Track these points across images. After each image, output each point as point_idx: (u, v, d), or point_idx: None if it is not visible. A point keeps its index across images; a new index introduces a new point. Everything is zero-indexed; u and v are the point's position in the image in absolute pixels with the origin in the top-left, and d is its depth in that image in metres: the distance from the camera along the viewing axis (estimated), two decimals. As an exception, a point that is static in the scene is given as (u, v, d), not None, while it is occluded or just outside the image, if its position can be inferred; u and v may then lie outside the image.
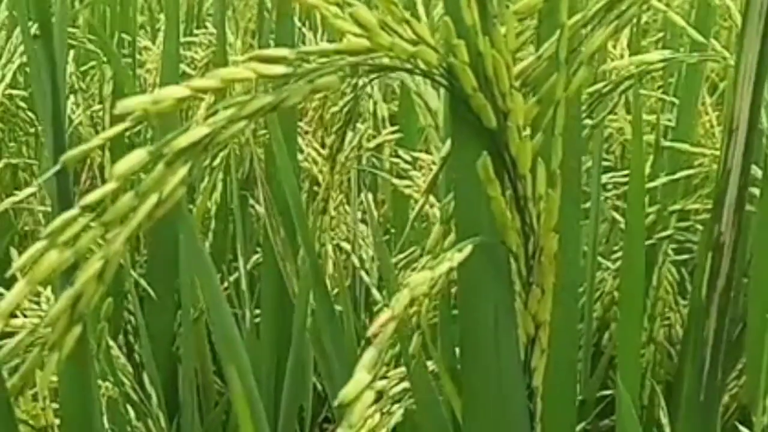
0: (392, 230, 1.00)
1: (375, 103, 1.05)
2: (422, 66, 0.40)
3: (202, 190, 1.05)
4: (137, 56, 1.22)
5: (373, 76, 0.41)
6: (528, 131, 0.44)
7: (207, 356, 0.99)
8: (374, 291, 0.96)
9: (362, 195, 1.01)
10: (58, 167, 0.44)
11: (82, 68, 1.21)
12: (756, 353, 0.68)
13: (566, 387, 0.53)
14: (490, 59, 0.40)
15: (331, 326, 0.67)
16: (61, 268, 0.33)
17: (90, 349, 0.54)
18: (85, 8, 1.27)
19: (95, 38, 1.15)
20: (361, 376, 0.34)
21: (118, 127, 0.35)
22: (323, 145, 0.98)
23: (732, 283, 0.50)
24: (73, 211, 0.34)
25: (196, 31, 1.22)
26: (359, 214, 1.02)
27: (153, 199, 0.34)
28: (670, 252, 0.88)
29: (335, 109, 0.86)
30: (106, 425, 0.65)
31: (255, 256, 1.00)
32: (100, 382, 0.66)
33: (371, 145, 0.92)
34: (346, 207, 0.99)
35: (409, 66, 0.40)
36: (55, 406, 0.64)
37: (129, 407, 0.71)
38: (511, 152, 0.42)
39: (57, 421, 0.61)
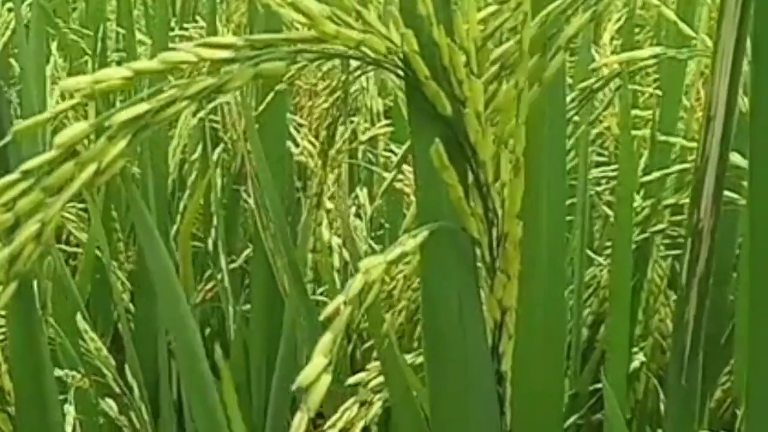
0: (386, 225, 1.00)
1: (371, 98, 1.05)
2: (371, 54, 0.40)
3: (190, 184, 1.06)
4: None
5: (321, 62, 0.41)
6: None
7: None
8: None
9: (357, 189, 1.01)
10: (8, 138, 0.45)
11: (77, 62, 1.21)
12: (743, 346, 0.68)
13: (553, 380, 0.53)
14: (446, 48, 0.40)
15: (310, 322, 0.67)
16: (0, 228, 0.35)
17: (37, 313, 0.55)
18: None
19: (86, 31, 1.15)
20: (318, 359, 0.35)
21: (67, 103, 0.37)
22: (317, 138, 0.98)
23: (711, 269, 0.50)
24: (14, 176, 0.35)
25: (186, 25, 1.22)
26: (353, 209, 1.01)
27: (92, 168, 0.35)
28: (662, 246, 0.88)
29: (325, 105, 0.86)
30: (74, 414, 0.64)
31: (247, 251, 1.00)
32: (67, 371, 0.66)
33: (363, 138, 0.91)
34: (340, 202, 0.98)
35: (357, 54, 0.39)
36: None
37: (112, 401, 0.71)
38: (470, 139, 0.42)
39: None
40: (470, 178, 0.43)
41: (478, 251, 0.45)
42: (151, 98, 0.36)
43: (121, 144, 0.35)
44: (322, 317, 0.36)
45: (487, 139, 0.42)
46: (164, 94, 0.36)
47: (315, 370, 0.34)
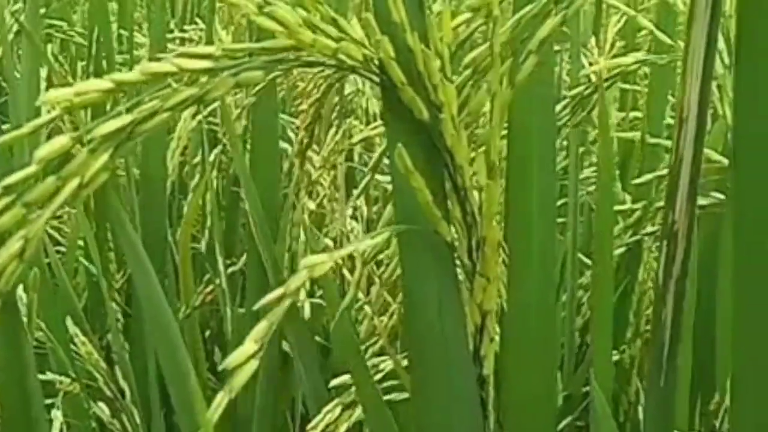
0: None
1: (366, 99, 1.05)
2: (348, 62, 0.40)
3: (194, 186, 1.06)
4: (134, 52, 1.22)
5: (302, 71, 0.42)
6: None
7: (200, 353, 0.99)
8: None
9: (353, 191, 1.02)
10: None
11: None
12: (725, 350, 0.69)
13: (546, 383, 0.53)
14: (420, 54, 0.41)
15: (294, 327, 0.68)
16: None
17: (22, 325, 0.55)
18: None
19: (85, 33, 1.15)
20: (248, 345, 0.35)
21: (47, 117, 0.37)
22: (317, 142, 0.98)
23: (687, 270, 0.51)
24: None
25: (186, 27, 1.23)
26: (350, 211, 1.02)
27: (74, 182, 0.36)
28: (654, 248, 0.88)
29: (303, 107, 0.87)
30: (61, 419, 0.65)
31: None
32: (57, 376, 0.67)
33: (355, 140, 0.92)
34: (335, 204, 0.99)
35: (334, 62, 0.40)
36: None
37: (103, 404, 0.71)
38: (447, 143, 0.42)
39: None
40: (448, 183, 0.44)
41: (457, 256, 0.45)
42: (133, 109, 0.36)
43: (104, 157, 0.36)
44: (257, 306, 0.37)
45: (463, 143, 0.43)
46: (146, 106, 0.36)
47: (244, 354, 0.35)
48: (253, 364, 0.35)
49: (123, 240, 0.44)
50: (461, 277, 0.46)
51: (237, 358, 0.35)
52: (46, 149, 0.35)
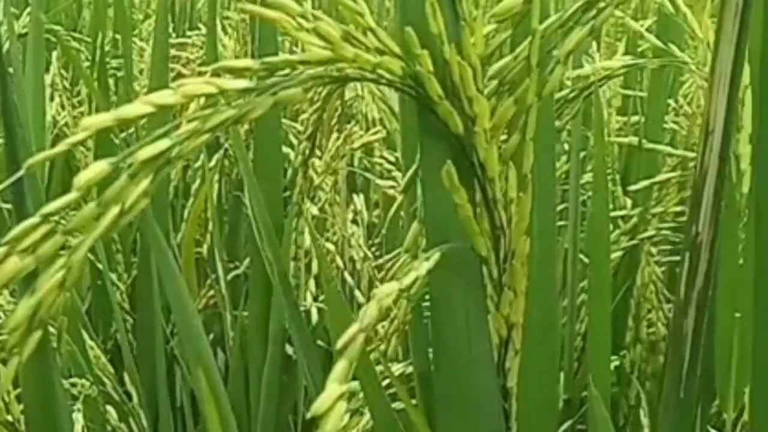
0: (382, 231, 1.00)
1: (366, 105, 1.05)
2: (387, 76, 0.40)
3: (194, 191, 1.06)
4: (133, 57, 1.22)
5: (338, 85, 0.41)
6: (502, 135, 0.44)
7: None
8: (357, 293, 0.96)
9: (354, 196, 1.02)
10: (21, 173, 0.44)
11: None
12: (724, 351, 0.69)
13: (546, 388, 0.53)
14: (456, 66, 0.40)
15: (300, 332, 0.68)
16: (21, 275, 0.33)
17: (50, 345, 0.55)
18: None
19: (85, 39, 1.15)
20: (333, 387, 0.35)
21: (79, 136, 0.35)
22: (319, 147, 0.98)
23: (710, 282, 0.51)
24: (34, 219, 0.34)
25: (189, 33, 1.22)
26: (351, 215, 1.02)
27: (115, 210, 0.34)
28: (653, 252, 0.88)
29: (304, 116, 0.86)
30: (82, 423, 0.65)
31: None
32: (77, 379, 0.66)
33: (356, 145, 0.92)
34: (336, 208, 0.99)
35: (373, 76, 0.40)
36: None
37: (111, 408, 0.71)
38: (480, 156, 0.42)
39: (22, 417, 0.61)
40: (478, 195, 0.44)
41: (484, 268, 0.45)
42: (171, 133, 0.35)
43: (144, 183, 0.34)
44: (338, 346, 0.36)
45: (494, 156, 0.42)
46: (185, 128, 0.35)
47: (330, 398, 0.35)
48: (342, 406, 0.34)
49: (156, 254, 0.44)
50: (488, 289, 0.46)
51: (323, 403, 0.34)
52: (86, 175, 0.34)
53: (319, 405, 0.34)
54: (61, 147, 0.35)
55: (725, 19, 0.47)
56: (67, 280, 0.34)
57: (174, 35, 1.21)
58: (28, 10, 1.04)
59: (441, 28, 0.40)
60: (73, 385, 0.67)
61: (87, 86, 1.07)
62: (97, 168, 0.34)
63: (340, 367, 0.35)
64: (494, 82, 0.45)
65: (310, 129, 0.88)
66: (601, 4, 0.44)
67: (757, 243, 0.47)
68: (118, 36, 1.23)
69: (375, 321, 0.37)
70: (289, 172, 0.92)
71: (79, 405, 0.65)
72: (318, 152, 0.95)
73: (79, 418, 0.64)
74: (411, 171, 0.47)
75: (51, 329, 0.63)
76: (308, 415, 0.34)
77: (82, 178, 0.34)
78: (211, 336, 1.06)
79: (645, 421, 0.78)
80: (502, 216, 0.44)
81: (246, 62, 0.37)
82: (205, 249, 1.05)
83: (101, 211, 0.34)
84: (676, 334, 0.52)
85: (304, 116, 0.87)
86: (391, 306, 0.39)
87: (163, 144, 0.35)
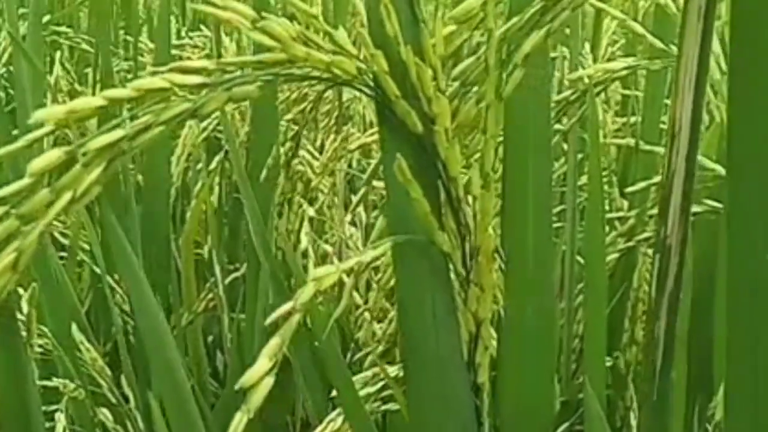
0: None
1: (363, 106, 1.06)
2: (342, 75, 0.41)
3: (196, 193, 1.06)
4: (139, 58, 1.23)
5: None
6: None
7: (202, 358, 1.00)
8: (355, 294, 0.96)
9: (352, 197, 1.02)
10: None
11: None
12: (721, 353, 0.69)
13: (543, 390, 0.54)
14: (414, 67, 0.41)
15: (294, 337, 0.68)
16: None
17: (20, 335, 0.55)
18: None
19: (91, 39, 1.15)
20: (262, 362, 0.36)
21: (42, 131, 0.37)
22: (319, 149, 0.99)
23: (680, 285, 0.51)
24: None
25: (191, 34, 1.23)
26: (349, 217, 1.02)
27: (67, 196, 0.36)
28: (650, 253, 0.88)
29: (288, 116, 0.87)
30: (64, 423, 0.65)
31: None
32: (66, 381, 0.67)
33: (352, 147, 0.92)
34: (334, 210, 0.99)
35: (327, 76, 0.40)
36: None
37: (107, 410, 0.72)
38: (441, 155, 0.43)
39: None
40: (442, 194, 0.44)
41: (451, 265, 0.46)
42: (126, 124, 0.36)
43: (96, 171, 0.36)
44: (267, 322, 0.37)
45: (456, 155, 0.43)
46: (139, 120, 0.36)
47: (258, 372, 0.36)
48: (269, 381, 0.35)
49: (119, 257, 0.45)
50: (455, 285, 0.47)
51: (252, 376, 0.35)
52: (40, 162, 0.36)
53: (247, 379, 0.35)
54: (22, 143, 0.37)
55: (689, 21, 0.47)
56: (20, 262, 0.35)
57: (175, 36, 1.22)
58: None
59: (396, 30, 0.41)
60: (56, 388, 0.68)
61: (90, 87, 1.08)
62: (52, 155, 0.36)
63: (273, 343, 0.36)
64: (457, 83, 0.46)
65: (293, 131, 0.88)
66: (558, 8, 0.45)
67: (729, 240, 0.47)
68: (129, 37, 1.24)
69: (309, 301, 0.37)
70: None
71: (62, 406, 0.66)
72: (317, 154, 0.96)
73: (61, 418, 0.65)
74: (371, 167, 0.48)
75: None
76: (235, 387, 0.35)
77: (36, 164, 0.35)
78: (210, 338, 1.07)
79: (634, 422, 0.78)
80: (467, 213, 0.45)
81: (201, 62, 0.38)
82: (205, 251, 1.05)
83: (53, 198, 0.36)
84: (647, 338, 0.52)
85: (288, 116, 0.88)
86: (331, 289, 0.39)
87: (116, 134, 0.36)
